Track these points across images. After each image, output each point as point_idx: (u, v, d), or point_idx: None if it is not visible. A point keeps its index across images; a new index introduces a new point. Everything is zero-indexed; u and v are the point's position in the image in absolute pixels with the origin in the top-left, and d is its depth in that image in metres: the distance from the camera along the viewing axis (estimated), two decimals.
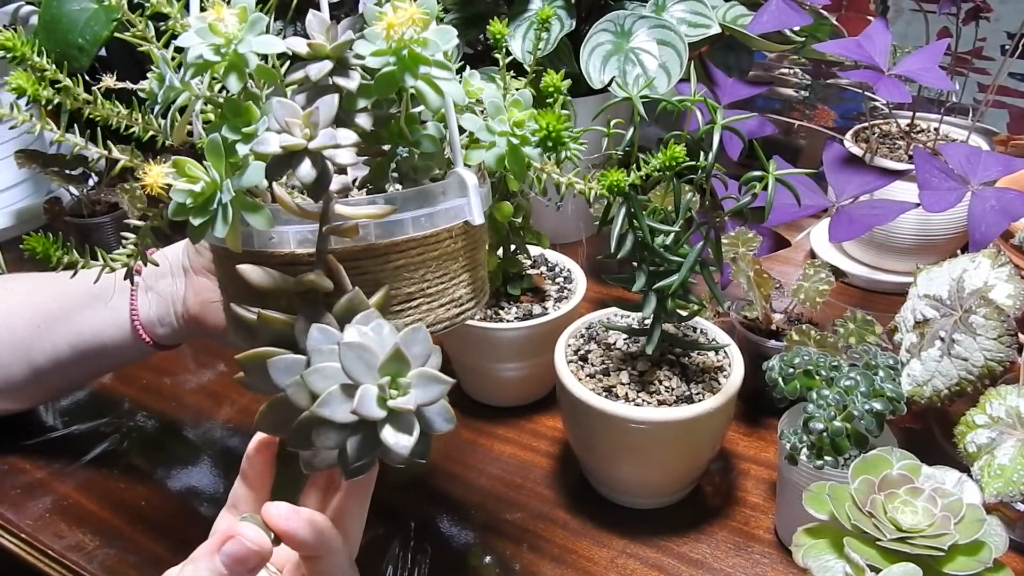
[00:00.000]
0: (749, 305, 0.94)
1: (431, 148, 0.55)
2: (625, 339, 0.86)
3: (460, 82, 0.55)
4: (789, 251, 1.16)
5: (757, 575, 0.77)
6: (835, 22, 1.15)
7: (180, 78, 0.49)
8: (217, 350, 1.08)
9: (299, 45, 0.48)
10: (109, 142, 0.55)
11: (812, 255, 1.22)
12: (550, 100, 0.65)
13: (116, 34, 0.56)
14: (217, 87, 0.52)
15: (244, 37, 0.47)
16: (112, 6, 0.53)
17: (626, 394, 0.78)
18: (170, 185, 0.47)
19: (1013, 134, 1.26)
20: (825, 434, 0.71)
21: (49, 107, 0.52)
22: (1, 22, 1.21)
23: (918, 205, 0.92)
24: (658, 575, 0.78)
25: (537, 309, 0.92)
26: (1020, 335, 0.73)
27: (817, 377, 0.77)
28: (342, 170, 0.48)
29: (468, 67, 0.63)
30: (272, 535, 0.53)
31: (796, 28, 1.11)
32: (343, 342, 0.46)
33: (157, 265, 0.79)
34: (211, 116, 0.55)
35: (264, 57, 0.53)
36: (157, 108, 0.52)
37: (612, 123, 0.71)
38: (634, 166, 0.66)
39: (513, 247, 0.93)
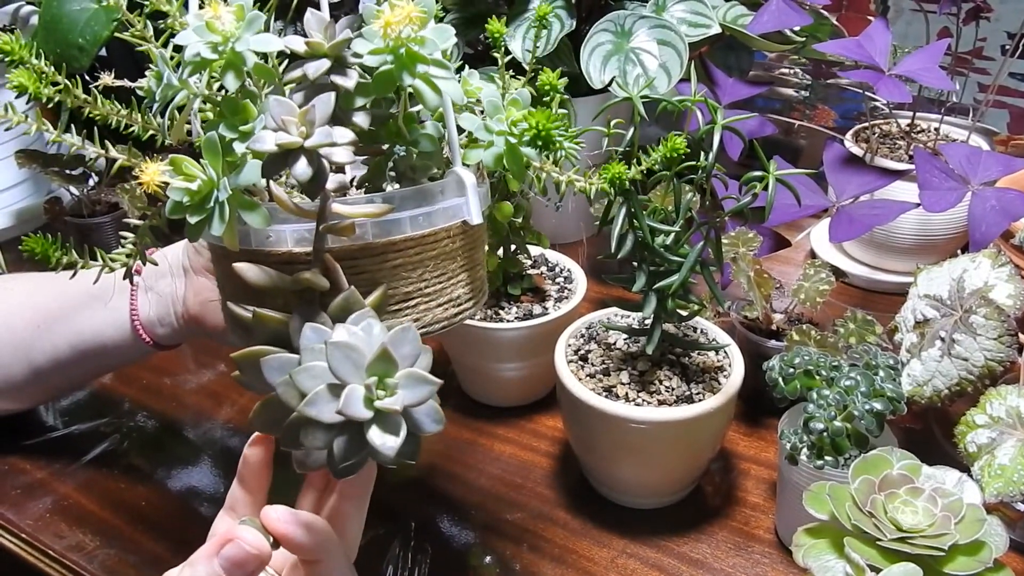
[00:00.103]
0: (749, 305, 0.94)
1: (429, 147, 0.55)
2: (625, 339, 0.86)
3: (459, 81, 0.55)
4: (789, 251, 1.16)
5: (757, 575, 0.77)
6: (835, 22, 1.15)
7: (178, 76, 0.49)
8: (217, 350, 1.08)
9: (297, 43, 0.48)
10: (107, 141, 0.55)
11: (812, 255, 1.22)
12: (547, 99, 0.65)
13: (116, 34, 0.56)
14: (215, 85, 0.52)
15: (241, 35, 0.47)
16: (111, 6, 0.53)
17: (626, 394, 0.78)
18: (167, 183, 0.47)
19: (1013, 134, 1.26)
20: (825, 434, 0.71)
21: (49, 106, 0.52)
22: (1, 22, 1.21)
23: (918, 205, 0.92)
24: (658, 575, 0.78)
25: (537, 309, 0.92)
26: (1020, 335, 0.73)
27: (817, 377, 0.77)
28: (340, 169, 0.48)
29: (468, 67, 0.63)
30: (271, 538, 0.53)
31: (796, 28, 1.11)
32: (330, 341, 0.46)
33: (156, 264, 0.79)
34: (210, 115, 0.55)
35: (264, 56, 0.53)
36: (155, 106, 0.52)
37: (612, 123, 0.71)
38: (635, 161, 0.65)
39: (513, 247, 0.93)
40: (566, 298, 0.94)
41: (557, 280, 0.98)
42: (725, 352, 0.83)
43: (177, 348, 0.87)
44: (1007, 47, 1.12)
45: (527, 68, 0.76)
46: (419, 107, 0.56)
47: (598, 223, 0.77)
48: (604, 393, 0.78)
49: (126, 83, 0.58)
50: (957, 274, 0.77)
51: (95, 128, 0.55)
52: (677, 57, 1.02)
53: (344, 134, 0.47)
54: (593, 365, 0.82)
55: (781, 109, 1.45)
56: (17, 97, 0.50)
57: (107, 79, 0.58)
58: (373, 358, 0.46)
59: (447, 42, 0.50)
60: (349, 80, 0.48)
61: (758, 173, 0.70)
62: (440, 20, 0.52)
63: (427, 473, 0.90)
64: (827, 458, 0.72)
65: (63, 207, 1.27)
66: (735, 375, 0.79)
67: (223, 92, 0.50)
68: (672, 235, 0.75)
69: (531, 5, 1.10)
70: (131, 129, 0.55)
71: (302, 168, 0.46)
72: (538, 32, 0.75)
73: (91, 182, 1.26)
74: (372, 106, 0.51)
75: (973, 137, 1.11)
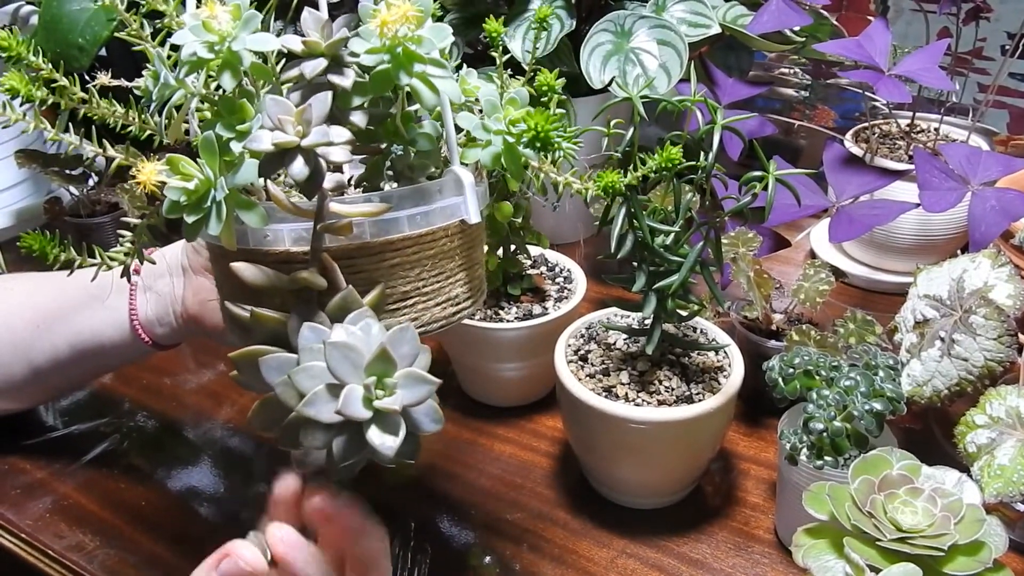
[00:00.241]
0: (749, 305, 0.94)
1: (427, 146, 0.55)
2: (625, 339, 0.86)
3: (456, 80, 0.55)
4: (789, 251, 1.16)
5: (757, 575, 0.77)
6: (835, 22, 1.14)
7: (175, 76, 0.49)
8: (216, 350, 1.08)
9: (294, 43, 0.48)
10: (105, 140, 0.55)
11: (812, 255, 1.22)
12: (545, 99, 0.65)
13: (116, 34, 0.56)
14: (212, 85, 0.52)
15: (238, 34, 0.47)
16: (108, 6, 0.53)
17: (626, 394, 0.78)
18: (164, 183, 0.47)
19: (1013, 134, 1.26)
20: (825, 434, 0.71)
21: (44, 107, 0.52)
22: (1, 22, 1.21)
23: (918, 205, 0.92)
24: (658, 575, 0.77)
25: (537, 309, 0.92)
26: (1020, 335, 0.73)
27: (817, 377, 0.76)
28: (337, 168, 0.48)
29: (466, 67, 0.63)
30: (270, 556, 0.53)
31: (796, 28, 1.10)
32: (329, 341, 0.46)
33: (155, 264, 0.79)
34: (207, 114, 0.55)
35: (263, 56, 0.53)
36: (153, 106, 0.52)
37: (612, 123, 0.71)
38: (631, 167, 0.65)
39: (513, 247, 0.93)
40: (566, 298, 0.94)
41: (557, 280, 0.98)
42: (725, 352, 0.83)
43: (176, 348, 0.87)
44: (1007, 47, 1.12)
45: (526, 68, 0.76)
46: (417, 106, 0.56)
47: (598, 223, 0.77)
48: (604, 393, 0.78)
49: (123, 82, 0.58)
50: (957, 274, 0.77)
51: (93, 127, 0.55)
52: (677, 57, 1.02)
53: (341, 133, 0.47)
54: (593, 365, 0.82)
55: (781, 109, 1.45)
56: (12, 98, 0.49)
57: (104, 78, 0.58)
58: (372, 358, 0.46)
59: (444, 41, 0.50)
60: (346, 79, 0.48)
61: (758, 173, 0.70)
62: (440, 20, 0.52)
63: (427, 473, 0.90)
64: (827, 458, 0.72)
65: (63, 207, 1.27)
66: (735, 375, 0.79)
67: (220, 91, 0.50)
68: (672, 235, 0.75)
69: (531, 5, 1.10)
70: (129, 129, 0.55)
71: (299, 167, 0.46)
72: (538, 33, 0.75)
73: (91, 182, 1.27)
74: (370, 105, 0.51)
75: (973, 137, 1.11)
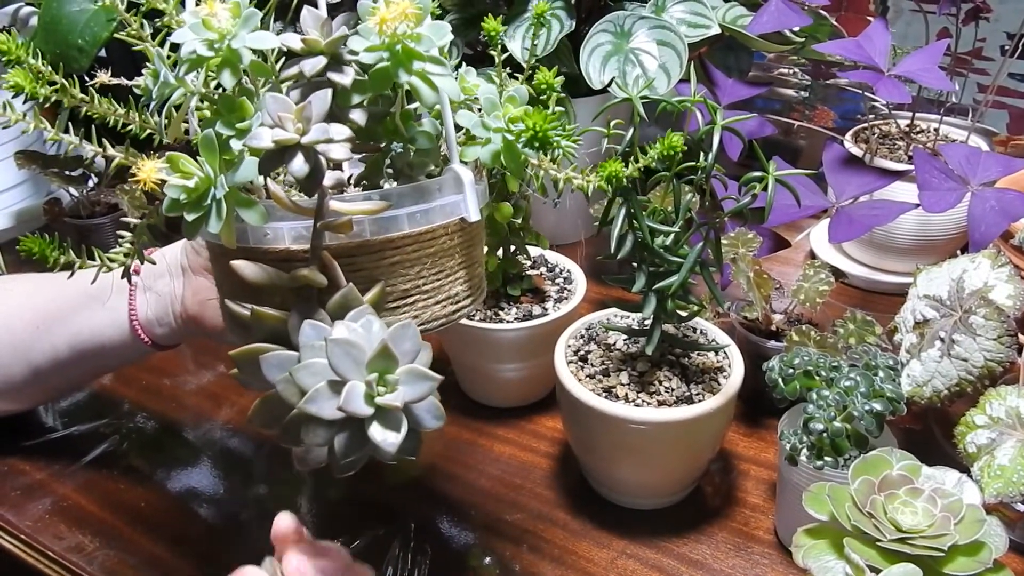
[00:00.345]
0: (749, 306, 0.94)
1: (427, 144, 0.55)
2: (625, 340, 0.86)
3: (455, 79, 0.55)
4: (789, 252, 1.16)
5: (757, 575, 0.77)
6: (835, 23, 1.15)
7: (175, 74, 0.49)
8: (216, 351, 1.08)
9: (293, 41, 0.48)
10: (104, 140, 0.55)
11: (812, 256, 1.22)
12: (544, 98, 0.65)
13: (115, 35, 0.56)
14: (212, 83, 0.52)
15: (238, 32, 0.47)
16: (108, 6, 0.53)
17: (626, 395, 0.78)
18: (164, 181, 0.47)
19: (1013, 134, 1.26)
20: (825, 435, 0.71)
21: (46, 105, 0.52)
22: (1, 23, 1.21)
23: (918, 206, 0.92)
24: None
25: (537, 310, 0.92)
26: (1020, 335, 0.73)
27: (817, 378, 0.76)
28: (337, 166, 0.48)
29: (465, 65, 0.63)
30: None
31: (796, 29, 1.10)
32: (331, 338, 0.46)
33: (155, 264, 0.79)
34: (207, 113, 0.55)
35: (262, 55, 0.53)
36: (153, 105, 0.52)
37: (612, 124, 0.71)
38: (632, 159, 0.65)
39: (513, 248, 0.93)
40: (566, 299, 0.94)
41: (557, 281, 0.98)
42: (725, 353, 0.83)
43: (176, 349, 0.87)
44: (1006, 47, 1.12)
45: (526, 68, 0.76)
46: (416, 104, 0.56)
47: (597, 224, 0.77)
48: (604, 394, 0.78)
49: (123, 81, 0.58)
50: (957, 275, 0.77)
51: (93, 127, 0.55)
52: (676, 58, 1.02)
53: (341, 131, 0.47)
54: (593, 366, 0.82)
55: (780, 110, 1.45)
56: (14, 97, 0.49)
57: (104, 77, 0.58)
58: (373, 354, 0.46)
59: (443, 39, 0.50)
60: (346, 77, 0.48)
61: (757, 174, 0.70)
62: (438, 19, 0.52)
63: (427, 474, 0.90)
64: (827, 459, 0.72)
65: (62, 208, 1.27)
66: (735, 376, 0.79)
67: (220, 90, 0.50)
68: (672, 236, 0.75)
69: (530, 6, 1.10)
70: (129, 128, 0.55)
71: (299, 164, 0.46)
72: (536, 30, 0.75)
73: (90, 183, 1.26)
74: (369, 103, 0.51)
75: (972, 137, 1.11)
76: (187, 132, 0.55)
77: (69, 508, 0.87)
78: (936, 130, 1.13)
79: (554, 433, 0.94)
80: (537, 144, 0.54)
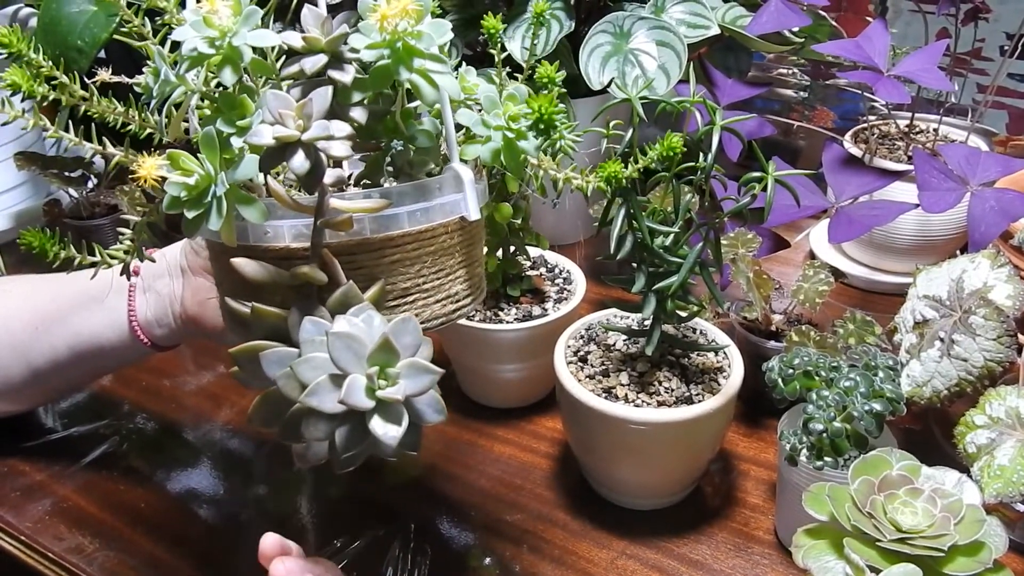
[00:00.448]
0: (749, 306, 0.94)
1: (427, 143, 0.55)
2: (625, 340, 0.86)
3: (455, 78, 0.55)
4: (788, 252, 1.16)
5: None
6: (834, 23, 1.15)
7: (176, 72, 0.49)
8: (216, 352, 1.08)
9: (294, 39, 0.48)
10: (104, 139, 0.55)
11: (811, 256, 1.22)
12: (544, 93, 0.65)
13: (115, 35, 0.56)
14: (213, 81, 0.52)
15: (238, 30, 0.47)
16: (109, 3, 0.53)
17: (626, 395, 0.78)
18: (164, 178, 0.47)
19: (1012, 135, 1.26)
20: (825, 435, 0.71)
21: (45, 103, 0.52)
22: (0, 24, 1.21)
23: (917, 206, 0.92)
24: None
25: (537, 310, 0.92)
26: (1019, 335, 0.73)
27: (817, 378, 0.76)
28: (337, 164, 0.48)
29: (465, 65, 0.63)
30: None
31: (795, 29, 1.11)
32: (332, 331, 0.46)
33: (155, 262, 0.79)
34: (207, 111, 0.55)
35: (263, 53, 0.53)
36: (153, 103, 0.52)
37: (611, 124, 0.71)
38: (632, 160, 0.65)
39: (512, 248, 0.93)
40: (565, 299, 0.94)
41: (556, 281, 0.98)
42: (724, 353, 0.83)
43: (176, 350, 0.87)
44: (1006, 48, 1.12)
45: (524, 65, 0.76)
46: (416, 103, 0.56)
47: (597, 224, 0.77)
48: (603, 394, 0.78)
49: (123, 79, 0.58)
50: (956, 275, 0.77)
51: (93, 126, 0.55)
52: (676, 58, 1.02)
53: (341, 127, 0.47)
54: (592, 366, 0.82)
55: (780, 110, 1.45)
56: (12, 95, 0.49)
57: (104, 75, 0.58)
58: (374, 348, 0.46)
59: (444, 36, 0.50)
60: (346, 75, 0.48)
61: (757, 174, 0.70)
62: (438, 18, 0.52)
63: (427, 474, 0.90)
64: (827, 459, 0.72)
65: (62, 209, 1.27)
66: (734, 376, 0.79)
67: (220, 87, 0.50)
68: (671, 236, 0.75)
69: (529, 6, 1.10)
70: (128, 127, 0.55)
71: (299, 161, 0.46)
72: (535, 30, 0.75)
73: (90, 184, 1.26)
74: (369, 102, 0.51)
75: (972, 138, 1.11)
76: (187, 131, 0.55)
77: (69, 509, 0.87)
78: (935, 130, 1.13)
79: (554, 434, 0.94)
80: (542, 127, 0.54)
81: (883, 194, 1.01)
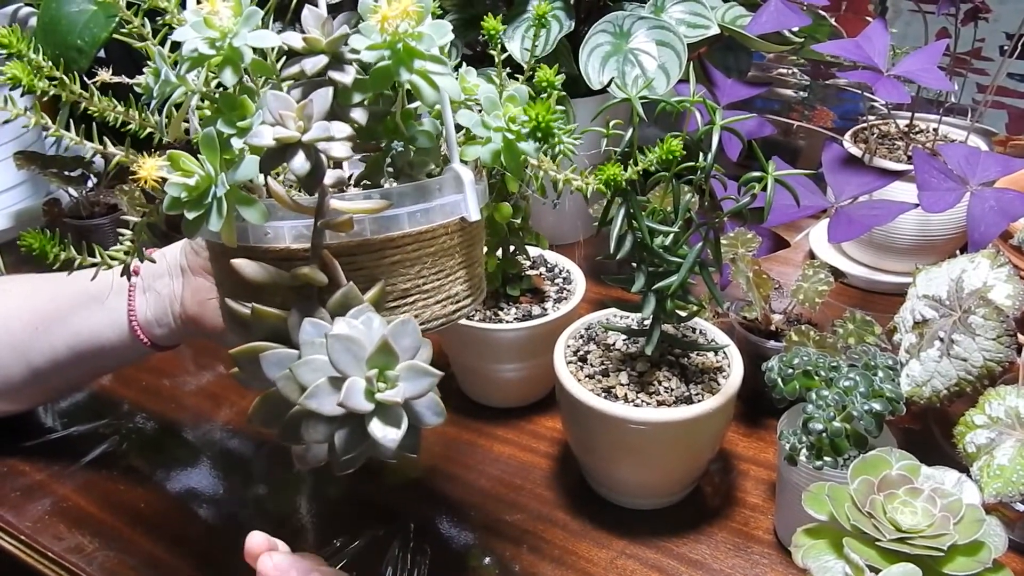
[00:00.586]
0: (748, 306, 0.94)
1: (427, 144, 0.55)
2: (624, 340, 0.86)
3: (456, 78, 0.55)
4: (788, 252, 1.16)
5: (756, 575, 0.77)
6: (834, 23, 1.15)
7: (176, 73, 0.49)
8: (216, 352, 1.08)
9: (294, 40, 0.48)
10: (105, 138, 0.55)
11: (811, 256, 1.22)
12: (544, 96, 0.65)
13: (115, 35, 0.56)
14: (213, 82, 0.52)
15: (239, 31, 0.47)
16: (109, 3, 0.53)
17: (625, 395, 0.78)
18: (164, 179, 0.47)
19: (1012, 134, 1.26)
20: (824, 434, 0.71)
21: (44, 99, 0.52)
22: (0, 23, 1.21)
23: (917, 206, 0.92)
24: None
25: (536, 310, 0.92)
26: (1019, 335, 0.73)
27: (816, 378, 0.76)
28: (338, 164, 0.48)
29: (465, 65, 0.63)
30: None
31: (795, 29, 1.11)
32: (331, 334, 0.46)
33: (155, 263, 0.79)
34: (207, 112, 0.55)
35: (263, 54, 0.53)
36: (153, 103, 0.52)
37: (611, 124, 0.71)
38: (631, 162, 0.65)
39: (512, 248, 0.93)
40: (565, 299, 0.94)
41: (556, 281, 0.98)
42: (724, 353, 0.83)
43: (175, 349, 0.87)
44: (1005, 48, 1.12)
45: (525, 68, 0.76)
46: (417, 104, 0.56)
47: (597, 224, 0.77)
48: (603, 394, 0.78)
49: (124, 79, 0.58)
50: (956, 274, 0.77)
51: (93, 126, 0.55)
52: (676, 58, 1.02)
53: (342, 128, 0.47)
54: (592, 366, 0.82)
55: (780, 110, 1.45)
56: (11, 90, 0.49)
57: (105, 75, 0.58)
58: (374, 350, 0.46)
59: (444, 38, 0.50)
60: (347, 76, 0.48)
61: (757, 174, 0.70)
62: (438, 19, 0.52)
63: (426, 474, 0.90)
64: (826, 459, 0.72)
65: (62, 208, 1.27)
66: (734, 376, 0.79)
67: (221, 88, 0.50)
68: (671, 236, 0.75)
69: (529, 6, 1.10)
70: (128, 127, 0.55)
71: (300, 162, 0.46)
72: (536, 32, 0.75)
73: (90, 183, 1.26)
74: (370, 102, 0.51)
75: (972, 137, 1.11)
76: (187, 131, 0.55)
77: (69, 509, 0.87)
78: (935, 130, 1.13)
79: (554, 433, 0.94)
80: (540, 135, 0.54)
81: (883, 194, 1.01)
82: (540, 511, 0.85)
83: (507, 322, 0.90)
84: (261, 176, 0.49)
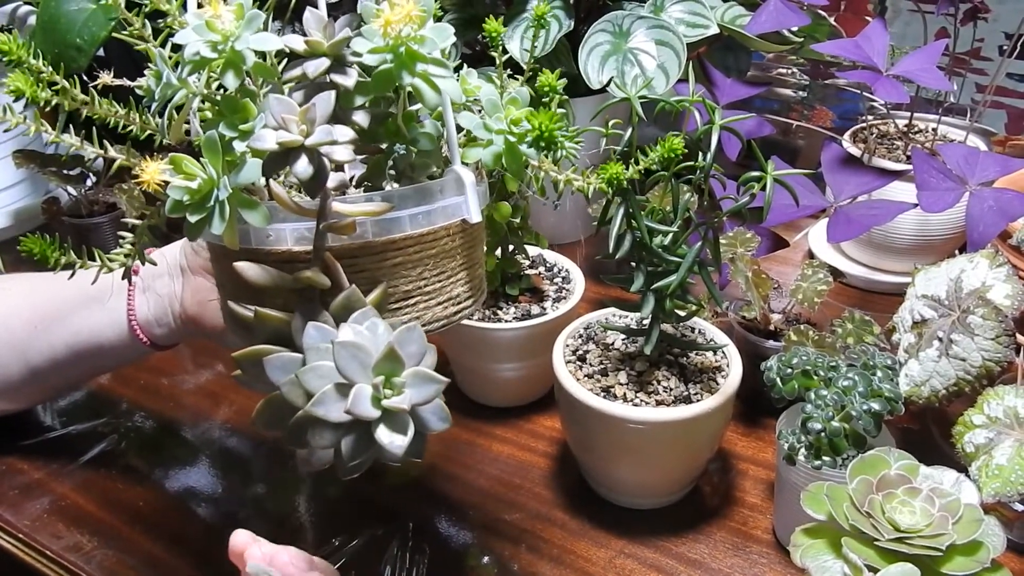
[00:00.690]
0: (747, 305, 0.94)
1: (428, 146, 0.55)
2: (623, 339, 0.86)
3: (457, 80, 0.55)
4: (787, 251, 1.16)
5: (755, 575, 0.77)
6: (833, 22, 1.15)
7: (177, 75, 0.49)
8: (215, 351, 1.08)
9: (296, 42, 0.48)
10: (105, 141, 0.55)
11: (810, 255, 1.22)
12: (546, 99, 0.65)
13: (114, 34, 0.56)
14: (215, 84, 0.52)
15: (241, 34, 0.47)
16: (110, 5, 0.53)
17: (624, 394, 0.78)
18: (167, 182, 0.47)
19: (1011, 134, 1.26)
20: (823, 434, 0.71)
21: (47, 108, 0.52)
22: None
23: (916, 205, 0.92)
24: (656, 575, 0.78)
25: (535, 309, 0.92)
26: (1018, 335, 0.73)
27: (815, 377, 0.76)
28: (339, 167, 0.48)
29: (466, 67, 0.63)
30: None
31: (794, 28, 1.11)
32: (337, 341, 0.46)
33: (155, 264, 0.79)
34: (208, 114, 0.55)
35: (264, 56, 0.53)
36: (154, 106, 0.52)
37: (610, 123, 0.71)
38: (632, 161, 0.65)
39: (511, 247, 0.93)
40: (564, 298, 0.94)
41: (555, 280, 0.98)
42: (723, 352, 0.83)
43: (175, 348, 0.87)
44: (1005, 48, 1.12)
45: (525, 68, 0.76)
46: (418, 106, 0.56)
47: (596, 223, 0.77)
48: (602, 393, 0.78)
49: (125, 82, 0.58)
50: (955, 274, 0.77)
51: (93, 128, 0.55)
52: (675, 57, 1.03)
53: (344, 132, 0.47)
54: (591, 365, 0.82)
55: (779, 109, 1.45)
56: (15, 100, 0.49)
57: (106, 78, 0.58)
58: (380, 357, 0.46)
59: (446, 41, 0.50)
60: (349, 79, 0.48)
61: (756, 173, 0.70)
62: (439, 21, 0.52)
63: (425, 474, 0.90)
64: (825, 458, 0.72)
65: (61, 207, 1.26)
66: (733, 375, 0.79)
67: (222, 91, 0.50)
68: (670, 235, 0.75)
69: (529, 6, 1.10)
70: (129, 129, 0.55)
71: (303, 166, 0.46)
72: (536, 32, 0.75)
73: (89, 182, 1.26)
74: (371, 105, 0.51)
75: (971, 137, 1.11)
76: (188, 133, 0.55)
77: (67, 507, 0.87)
78: (934, 130, 1.13)
79: (552, 433, 0.94)
80: (543, 144, 0.54)
81: (882, 194, 1.01)
82: (539, 510, 0.85)
83: (506, 321, 0.90)
84: (263, 178, 0.49)
